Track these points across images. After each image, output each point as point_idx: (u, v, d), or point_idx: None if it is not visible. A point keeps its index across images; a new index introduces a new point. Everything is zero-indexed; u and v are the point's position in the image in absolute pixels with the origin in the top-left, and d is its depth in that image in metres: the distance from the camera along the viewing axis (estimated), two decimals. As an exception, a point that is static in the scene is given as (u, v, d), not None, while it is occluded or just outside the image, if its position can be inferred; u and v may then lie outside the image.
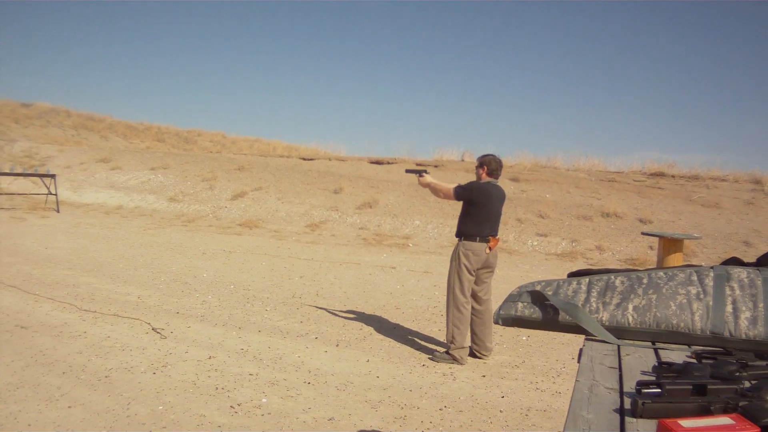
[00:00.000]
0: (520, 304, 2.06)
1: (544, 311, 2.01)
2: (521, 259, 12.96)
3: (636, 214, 15.25)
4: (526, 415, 4.81)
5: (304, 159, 23.71)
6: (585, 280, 2.06)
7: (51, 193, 20.85)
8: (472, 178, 6.38)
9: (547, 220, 15.27)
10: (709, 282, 1.91)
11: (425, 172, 6.43)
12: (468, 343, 6.13)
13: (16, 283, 8.97)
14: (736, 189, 16.62)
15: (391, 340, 6.76)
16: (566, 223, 15.08)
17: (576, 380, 1.54)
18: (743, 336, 1.75)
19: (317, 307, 8.15)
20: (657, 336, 1.85)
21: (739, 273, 1.92)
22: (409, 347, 6.51)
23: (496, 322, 2.11)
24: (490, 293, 6.29)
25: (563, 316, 1.96)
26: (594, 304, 1.94)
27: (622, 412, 1.33)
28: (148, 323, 7.13)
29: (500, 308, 2.11)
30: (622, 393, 1.44)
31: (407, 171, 7.09)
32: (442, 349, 6.24)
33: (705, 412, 1.23)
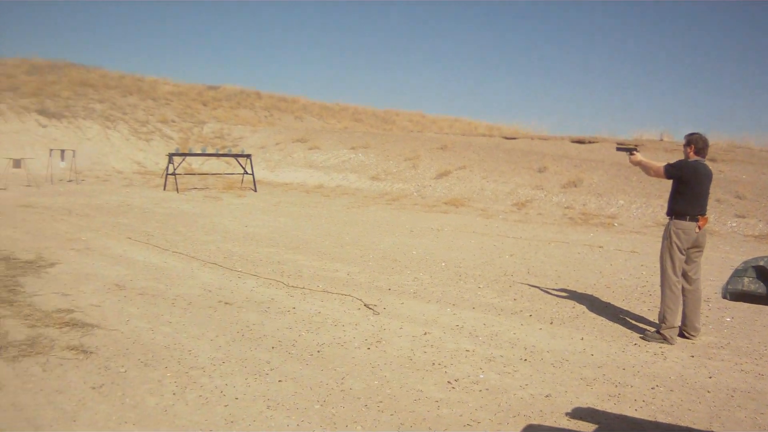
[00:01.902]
0: (746, 279, 2.19)
1: (769, 287, 2.07)
2: (721, 240, 12.78)
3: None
4: (732, 396, 4.84)
5: (507, 138, 23.61)
6: (811, 256, 2.02)
7: (247, 173, 21.15)
8: (672, 158, 6.38)
9: (744, 201, 14.94)
10: None
11: (636, 150, 6.57)
12: (678, 322, 6.21)
13: (216, 261, 9.29)
14: None
15: (603, 318, 6.85)
16: (763, 204, 14.71)
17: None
18: None
19: (529, 285, 8.28)
20: None
21: None
22: (620, 326, 6.60)
23: (724, 297, 2.29)
24: (700, 273, 6.40)
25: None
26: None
27: None
28: (360, 299, 7.30)
29: (728, 283, 2.25)
30: None
31: (618, 149, 7.09)
32: (653, 329, 6.35)
33: None
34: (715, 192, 15.10)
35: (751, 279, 2.15)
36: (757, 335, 6.47)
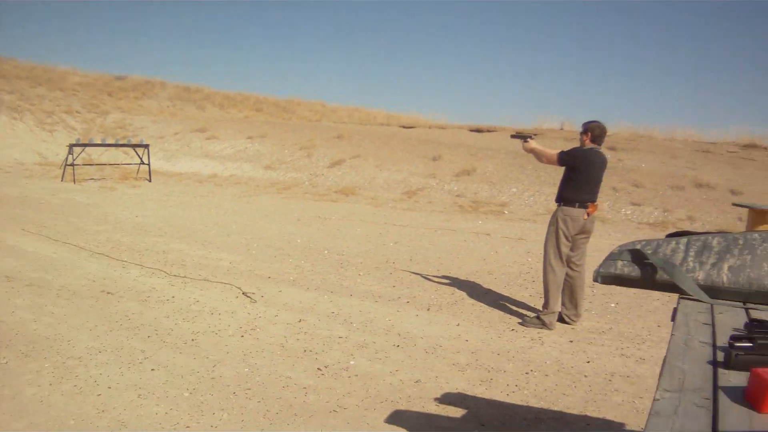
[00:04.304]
0: (619, 263, 2.10)
1: (643, 269, 2.05)
2: (613, 228, 12.80)
3: (728, 185, 14.84)
4: (610, 380, 4.85)
5: (405, 127, 23.88)
6: (684, 240, 2.09)
7: (143, 163, 21.17)
8: (571, 146, 6.41)
9: (641, 190, 15.03)
10: (802, 245, 1.89)
11: (531, 137, 6.47)
12: (558, 308, 6.19)
13: (104, 251, 9.18)
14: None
15: (482, 305, 6.77)
16: (660, 192, 14.79)
17: (671, 335, 1.62)
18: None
19: (410, 272, 8.21)
20: (749, 296, 1.90)
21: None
22: (499, 312, 6.53)
23: (595, 280, 2.16)
24: (585, 259, 6.30)
25: (660, 275, 2.00)
26: (691, 264, 1.98)
27: (715, 363, 1.42)
28: (239, 288, 7.27)
29: (600, 266, 2.16)
30: (715, 346, 1.52)
31: (513, 136, 6.98)
32: (533, 315, 6.30)
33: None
34: (611, 180, 15.33)
35: (625, 262, 2.11)
36: (640, 320, 6.45)
